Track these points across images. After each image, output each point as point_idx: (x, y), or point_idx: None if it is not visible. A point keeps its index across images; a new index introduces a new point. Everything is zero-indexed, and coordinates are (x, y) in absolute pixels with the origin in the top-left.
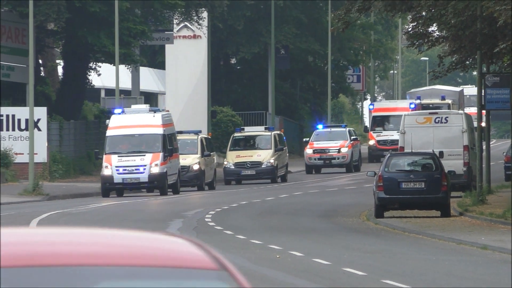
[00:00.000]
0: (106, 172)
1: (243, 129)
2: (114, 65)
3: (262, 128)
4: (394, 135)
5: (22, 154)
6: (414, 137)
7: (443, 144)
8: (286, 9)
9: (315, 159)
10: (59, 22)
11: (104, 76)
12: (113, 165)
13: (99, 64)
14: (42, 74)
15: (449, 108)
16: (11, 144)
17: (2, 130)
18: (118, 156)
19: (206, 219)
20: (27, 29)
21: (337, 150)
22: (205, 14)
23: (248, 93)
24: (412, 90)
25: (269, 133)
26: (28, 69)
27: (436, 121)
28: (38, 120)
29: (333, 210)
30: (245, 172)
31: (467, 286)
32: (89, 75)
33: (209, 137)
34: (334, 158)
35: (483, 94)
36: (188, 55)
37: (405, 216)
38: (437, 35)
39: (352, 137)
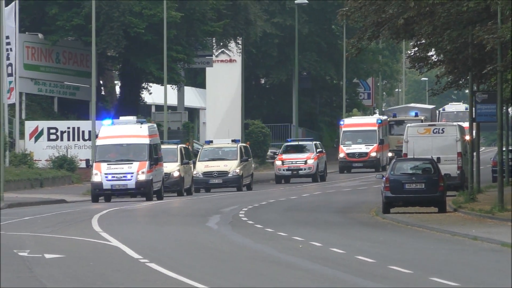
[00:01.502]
0: (96, 179)
1: (212, 141)
2: (162, 85)
3: (229, 140)
4: (362, 148)
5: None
6: (416, 145)
7: (440, 151)
8: (309, 37)
9: (283, 170)
10: (117, 49)
11: (154, 94)
12: (102, 172)
13: (150, 84)
14: (103, 93)
15: None
16: (77, 152)
17: (69, 140)
18: (107, 164)
19: (240, 215)
20: (90, 55)
21: (303, 162)
22: (240, 41)
23: (276, 108)
24: (389, 108)
25: (236, 145)
26: (91, 88)
27: (434, 131)
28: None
29: (347, 207)
30: (212, 180)
31: (460, 270)
32: (141, 94)
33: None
34: (301, 169)
35: (474, 109)
36: (225, 76)
37: (408, 212)
38: (435, 58)
39: (318, 150)
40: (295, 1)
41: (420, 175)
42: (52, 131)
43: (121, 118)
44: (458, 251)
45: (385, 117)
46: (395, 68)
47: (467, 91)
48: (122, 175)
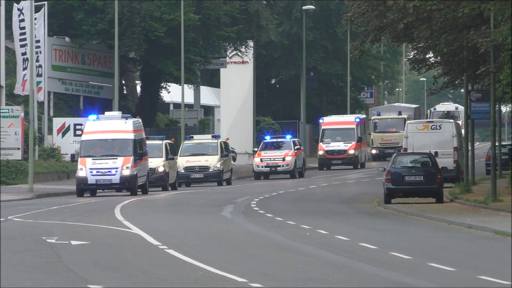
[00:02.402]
0: (81, 173)
1: (192, 137)
2: (180, 85)
3: (209, 136)
4: (340, 145)
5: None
6: (415, 140)
7: (438, 146)
8: (314, 41)
9: (262, 166)
10: (138, 52)
11: (173, 93)
12: (87, 167)
13: (169, 84)
14: (125, 92)
15: (405, 122)
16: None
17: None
18: (92, 159)
19: (252, 205)
20: (113, 57)
21: (282, 159)
22: (251, 44)
23: (285, 106)
24: (374, 107)
25: (216, 141)
26: (114, 88)
27: (432, 128)
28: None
29: (351, 198)
30: (194, 175)
31: (456, 256)
32: (160, 93)
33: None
34: (279, 166)
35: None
36: (238, 76)
37: (408, 202)
38: (432, 60)
39: (296, 147)
40: (303, 7)
41: (419, 168)
42: (78, 127)
43: (106, 113)
44: (454, 239)
45: (363, 116)
46: (395, 69)
47: (462, 90)
48: (106, 170)
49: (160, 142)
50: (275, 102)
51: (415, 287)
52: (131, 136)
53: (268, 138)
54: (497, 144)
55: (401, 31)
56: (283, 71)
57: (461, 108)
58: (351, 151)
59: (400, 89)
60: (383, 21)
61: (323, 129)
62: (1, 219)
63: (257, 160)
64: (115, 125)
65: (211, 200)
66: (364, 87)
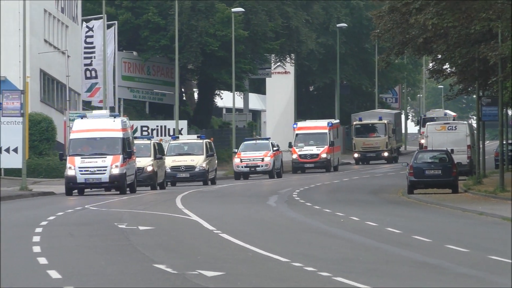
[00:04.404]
0: (70, 172)
1: (178, 137)
2: (231, 92)
3: (195, 136)
4: (313, 149)
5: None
6: (434, 139)
7: (453, 144)
8: (346, 54)
9: (242, 167)
10: (196, 63)
11: (225, 99)
12: (76, 166)
13: (221, 91)
14: (184, 98)
15: (385, 127)
16: (164, 146)
17: (158, 136)
18: (81, 158)
19: (293, 195)
20: (174, 68)
21: (261, 159)
22: (293, 56)
23: (321, 110)
24: (356, 113)
25: (201, 141)
26: (175, 95)
27: (449, 128)
28: (181, 129)
29: (378, 189)
30: (180, 174)
31: (469, 239)
32: (215, 99)
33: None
34: (258, 166)
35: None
36: (281, 84)
37: (428, 193)
38: (448, 70)
39: (274, 148)
40: (337, 25)
41: (437, 163)
42: (144, 128)
43: (94, 112)
44: (468, 224)
45: (336, 121)
46: (417, 78)
47: (474, 96)
48: (96, 169)
49: (148, 141)
50: (313, 107)
51: (434, 265)
52: (119, 134)
53: (248, 140)
54: (504, 142)
55: (421, 45)
56: (319, 80)
57: (450, 113)
58: (324, 155)
59: (421, 95)
60: (406, 36)
61: (296, 134)
62: (77, 208)
63: (237, 160)
64: (104, 124)
65: (258, 192)
66: (391, 93)
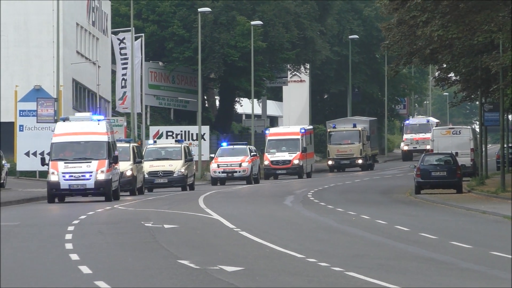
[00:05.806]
0: (53, 178)
1: (156, 141)
2: (250, 99)
3: (173, 140)
4: (285, 156)
5: (194, 155)
6: (439, 143)
7: (458, 148)
8: (358, 63)
9: (219, 172)
10: (218, 73)
11: (244, 106)
12: (59, 172)
13: (241, 98)
14: (206, 105)
15: (359, 134)
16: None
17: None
18: (65, 163)
19: (308, 195)
20: (197, 78)
21: (238, 165)
22: (308, 66)
23: (335, 116)
24: (331, 121)
25: (180, 145)
26: (198, 102)
27: (453, 133)
28: (204, 134)
29: (388, 189)
30: (158, 180)
31: (473, 236)
32: (235, 106)
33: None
34: (236, 172)
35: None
36: (296, 92)
37: (434, 193)
38: (453, 79)
39: (252, 153)
40: (349, 36)
41: (443, 165)
42: (169, 133)
43: (77, 114)
44: (471, 222)
45: (310, 127)
46: (423, 86)
47: (477, 103)
48: (80, 174)
49: (127, 145)
50: (326, 113)
51: (440, 261)
52: (104, 138)
53: (225, 145)
54: (505, 145)
55: (428, 55)
56: (335, 87)
57: (432, 120)
58: (296, 161)
59: (427, 102)
60: (413, 47)
61: (268, 140)
62: (107, 207)
63: (214, 166)
64: (88, 127)
65: (276, 192)
66: (400, 100)
